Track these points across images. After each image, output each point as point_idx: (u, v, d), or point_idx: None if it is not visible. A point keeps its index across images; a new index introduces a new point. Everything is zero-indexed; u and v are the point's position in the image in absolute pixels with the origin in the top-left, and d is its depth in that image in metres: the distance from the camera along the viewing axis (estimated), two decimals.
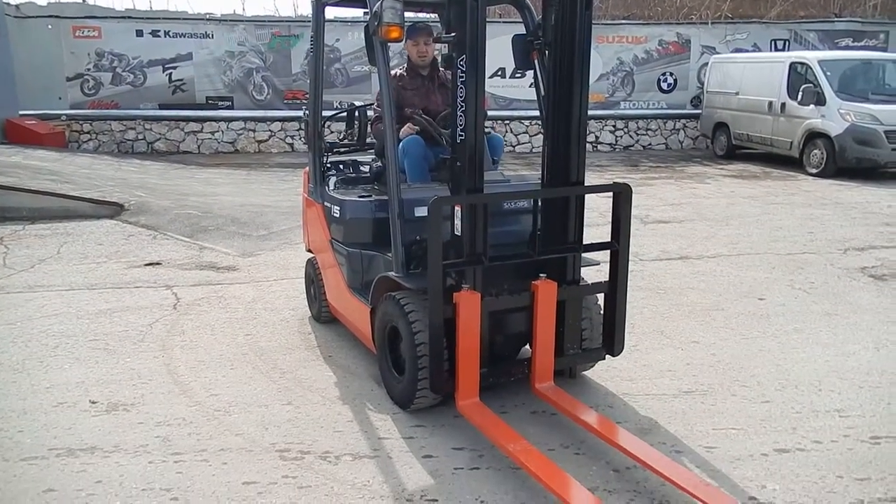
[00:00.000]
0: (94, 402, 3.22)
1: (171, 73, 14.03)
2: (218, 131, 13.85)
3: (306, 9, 23.18)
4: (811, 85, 10.50)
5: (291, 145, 14.01)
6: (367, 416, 3.10)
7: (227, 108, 14.21)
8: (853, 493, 2.54)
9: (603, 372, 3.59)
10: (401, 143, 3.68)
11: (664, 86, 14.72)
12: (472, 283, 2.92)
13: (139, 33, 13.77)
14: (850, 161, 10.11)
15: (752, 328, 4.26)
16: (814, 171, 10.54)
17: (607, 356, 3.32)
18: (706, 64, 13.72)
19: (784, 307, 4.66)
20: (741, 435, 2.96)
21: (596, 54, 14.41)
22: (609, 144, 14.10)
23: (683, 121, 14.34)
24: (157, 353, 3.81)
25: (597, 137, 14.04)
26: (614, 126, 14.10)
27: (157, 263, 5.63)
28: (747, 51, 14.17)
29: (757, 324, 4.34)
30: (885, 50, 14.18)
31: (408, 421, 3.05)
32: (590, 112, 3.16)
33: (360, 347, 3.88)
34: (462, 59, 2.81)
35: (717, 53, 13.93)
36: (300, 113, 14.32)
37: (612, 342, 3.25)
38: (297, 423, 3.02)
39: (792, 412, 3.17)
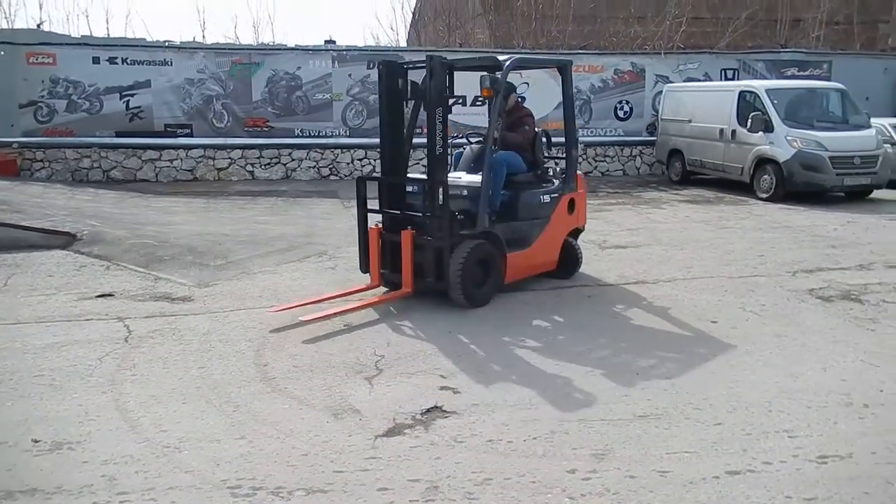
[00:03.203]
0: (36, 441, 3.10)
1: (128, 101, 13.82)
2: (177, 159, 13.69)
3: (267, 37, 23.16)
4: (759, 112, 10.88)
5: (252, 173, 13.91)
6: (321, 448, 3.06)
7: (187, 135, 14.05)
8: None
9: (560, 398, 3.62)
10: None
11: (620, 113, 15.08)
12: (383, 225, 5.48)
13: (96, 60, 13.57)
14: (797, 186, 10.47)
15: (706, 351, 4.34)
16: (764, 195, 10.88)
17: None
18: (660, 92, 14.12)
19: (736, 330, 4.77)
20: (694, 458, 3.01)
21: (554, 83, 14.74)
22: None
23: (640, 147, 14.69)
24: (106, 388, 3.71)
25: (557, 164, 14.26)
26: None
27: (110, 295, 5.50)
28: (699, 80, 14.64)
29: (710, 347, 4.43)
30: (828, 79, 14.78)
31: (363, 453, 3.01)
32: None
33: (318, 378, 3.85)
34: None
35: (671, 82, 14.35)
36: (261, 140, 14.28)
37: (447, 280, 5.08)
38: (250, 458, 2.95)
39: (743, 434, 3.23)
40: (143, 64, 13.84)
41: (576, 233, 6.24)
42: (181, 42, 14.54)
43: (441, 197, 5.04)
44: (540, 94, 14.48)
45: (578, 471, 2.87)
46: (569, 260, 6.07)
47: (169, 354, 4.22)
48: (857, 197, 10.99)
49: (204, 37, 20.12)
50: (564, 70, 6.10)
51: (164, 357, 4.17)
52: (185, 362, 4.09)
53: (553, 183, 6.06)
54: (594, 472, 2.87)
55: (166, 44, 14.20)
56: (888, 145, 11.59)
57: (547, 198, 5.86)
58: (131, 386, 3.74)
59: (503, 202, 5.65)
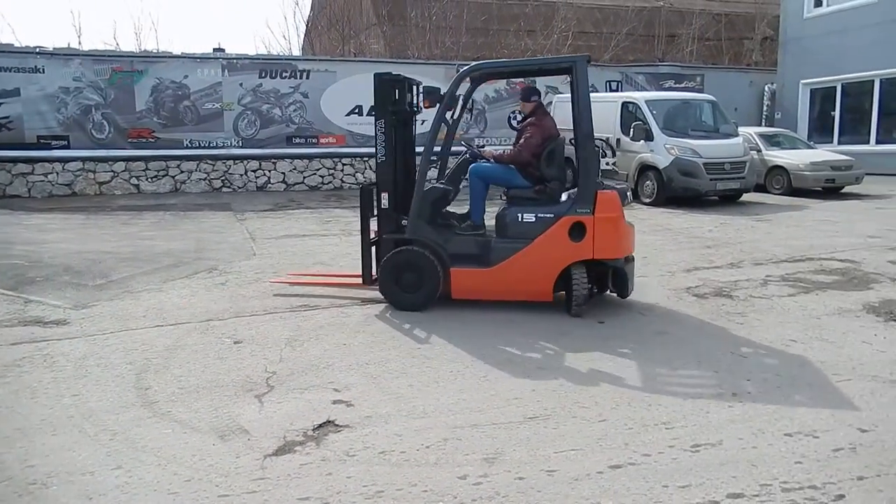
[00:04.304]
0: None
1: None
2: (52, 173, 12.85)
3: (151, 44, 22.16)
4: (641, 122, 11.52)
5: (137, 186, 13.26)
6: (206, 473, 2.93)
7: (63, 147, 13.18)
8: (676, 501, 2.74)
9: (453, 404, 3.66)
10: None
11: (514, 123, 15.48)
12: None
13: None
14: (676, 191, 11.17)
15: (594, 352, 4.52)
16: (647, 200, 11.52)
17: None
18: (550, 103, 14.63)
19: (622, 328, 5.01)
20: (580, 455, 3.12)
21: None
22: (466, 178, 14.57)
23: None
24: None
25: (450, 169, 14.48)
26: None
27: None
28: None
29: (598, 346, 4.62)
30: (701, 91, 15.89)
31: (251, 474, 2.91)
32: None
33: (204, 399, 3.70)
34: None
35: (560, 93, 14.93)
36: (147, 152, 13.58)
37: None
38: (127, 490, 2.79)
39: (625, 428, 3.38)
40: (10, 71, 12.89)
41: (601, 268, 5.25)
42: (54, 48, 13.68)
43: (385, 202, 5.45)
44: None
45: (470, 476, 2.91)
46: (569, 294, 5.24)
47: (39, 383, 3.92)
48: (729, 200, 11.85)
49: (80, 43, 19.01)
50: (576, 71, 5.25)
51: (33, 386, 3.87)
52: (56, 391, 3.81)
53: (557, 202, 5.38)
54: (485, 476, 2.92)
55: (37, 50, 13.30)
56: (754, 152, 12.60)
57: (530, 217, 5.28)
58: None
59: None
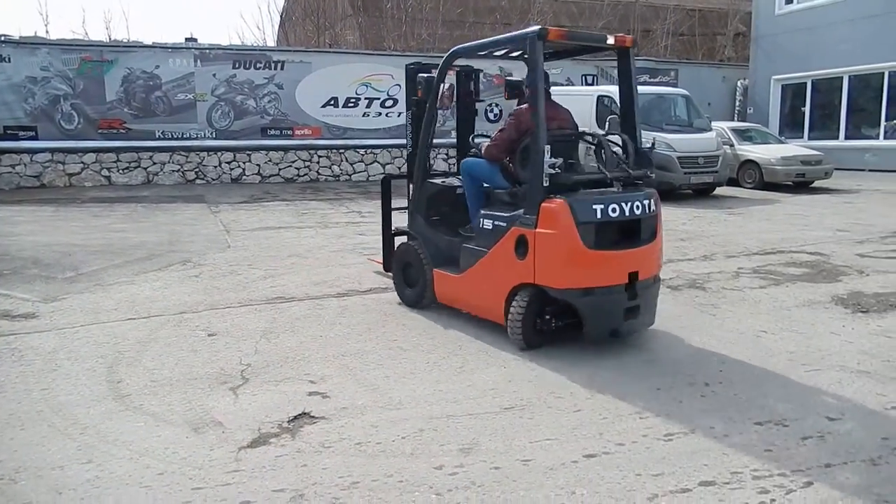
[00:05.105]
0: None
1: None
2: (19, 164, 12.57)
3: (121, 33, 21.77)
4: (616, 116, 11.56)
5: (108, 178, 13.02)
6: (179, 466, 2.90)
7: (30, 138, 12.90)
8: (649, 489, 2.78)
9: (430, 395, 3.66)
10: None
11: (490, 116, 15.55)
12: None
13: None
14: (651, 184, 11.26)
15: (568, 342, 4.55)
16: None
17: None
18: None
19: None
20: (555, 445, 3.14)
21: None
22: (443, 172, 14.56)
23: None
24: None
25: (432, 165, 14.45)
26: (447, 154, 14.63)
27: None
28: (561, 84, 15.37)
29: (573, 337, 4.63)
30: (675, 86, 16.06)
31: (225, 467, 2.89)
32: None
33: (178, 392, 3.65)
34: None
35: None
36: (118, 143, 13.35)
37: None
38: (98, 484, 2.75)
39: (599, 418, 3.42)
40: None
41: (549, 300, 4.23)
42: (20, 37, 13.36)
43: (413, 193, 5.45)
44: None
45: (445, 466, 2.92)
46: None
47: (6, 378, 3.84)
48: (702, 194, 12.01)
49: (47, 32, 18.59)
50: (529, 51, 4.33)
51: (1, 381, 3.79)
52: (25, 385, 3.74)
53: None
54: (461, 466, 2.92)
55: (2, 38, 12.96)
56: (727, 147, 12.77)
57: (489, 224, 4.55)
58: None
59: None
